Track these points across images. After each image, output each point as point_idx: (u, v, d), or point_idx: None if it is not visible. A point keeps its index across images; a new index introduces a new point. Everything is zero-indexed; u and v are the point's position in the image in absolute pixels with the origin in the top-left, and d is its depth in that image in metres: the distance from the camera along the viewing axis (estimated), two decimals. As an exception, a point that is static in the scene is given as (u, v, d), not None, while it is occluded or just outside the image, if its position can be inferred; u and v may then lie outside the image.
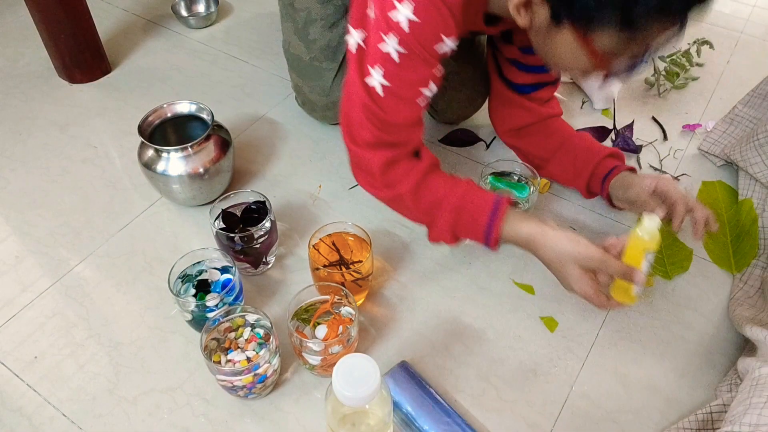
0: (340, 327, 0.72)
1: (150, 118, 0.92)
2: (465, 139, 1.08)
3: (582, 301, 0.83)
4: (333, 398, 0.55)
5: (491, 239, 0.73)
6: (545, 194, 0.98)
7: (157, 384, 0.76)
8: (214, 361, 0.69)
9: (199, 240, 0.92)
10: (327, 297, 0.75)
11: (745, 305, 0.80)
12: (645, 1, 0.55)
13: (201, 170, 0.89)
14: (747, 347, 0.76)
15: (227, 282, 0.77)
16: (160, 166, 0.88)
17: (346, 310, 0.75)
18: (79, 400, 0.74)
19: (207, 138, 0.90)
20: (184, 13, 1.38)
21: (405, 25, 0.66)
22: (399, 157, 0.74)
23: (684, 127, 1.11)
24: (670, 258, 0.89)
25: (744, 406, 0.58)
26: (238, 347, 0.71)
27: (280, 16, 1.03)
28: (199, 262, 0.78)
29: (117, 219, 0.95)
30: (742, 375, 0.68)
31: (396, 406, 0.70)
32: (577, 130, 1.10)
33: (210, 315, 0.73)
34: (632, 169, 0.86)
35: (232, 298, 0.76)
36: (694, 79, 1.22)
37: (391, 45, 0.67)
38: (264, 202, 0.84)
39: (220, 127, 0.94)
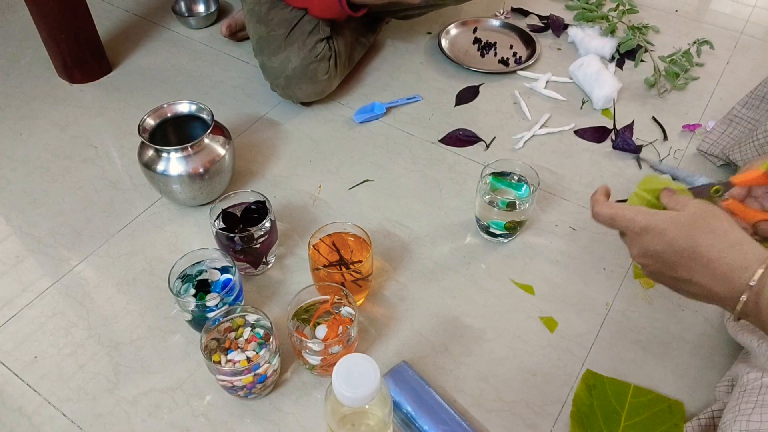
0: (340, 327, 0.72)
1: (150, 118, 0.92)
2: (465, 139, 1.08)
3: (582, 301, 0.84)
4: (333, 398, 0.55)
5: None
6: (544, 194, 0.98)
7: (157, 384, 0.76)
8: (214, 361, 0.69)
9: (199, 240, 0.92)
10: (327, 297, 0.75)
11: None
12: None
13: (201, 170, 0.89)
14: (743, 350, 0.76)
15: (227, 282, 0.77)
16: (160, 166, 0.88)
17: (346, 310, 0.75)
18: (79, 400, 0.74)
19: (207, 138, 0.90)
20: (184, 13, 1.39)
21: None
22: None
23: (684, 127, 1.11)
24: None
25: (733, 414, 0.58)
26: (238, 347, 0.71)
27: (246, 23, 1.12)
28: (199, 262, 0.79)
29: (117, 219, 0.95)
30: (734, 380, 0.68)
31: (396, 406, 0.70)
32: (577, 131, 1.11)
33: (210, 315, 0.73)
34: None
35: (232, 298, 0.76)
36: (694, 79, 1.22)
37: None
38: (264, 202, 0.84)
39: (220, 127, 0.94)
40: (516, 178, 0.91)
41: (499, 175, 0.91)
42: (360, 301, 0.83)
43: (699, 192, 0.63)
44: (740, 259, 0.52)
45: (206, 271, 0.78)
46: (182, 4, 1.39)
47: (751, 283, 0.51)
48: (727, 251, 0.53)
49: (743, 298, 0.52)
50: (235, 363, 0.69)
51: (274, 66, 1.07)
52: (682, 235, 0.55)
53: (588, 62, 1.18)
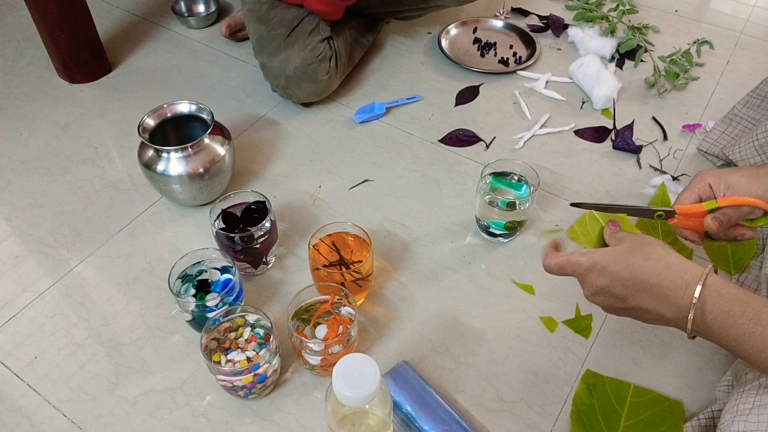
0: (340, 327, 0.72)
1: (150, 118, 0.92)
2: (465, 139, 1.08)
3: (582, 301, 0.83)
4: (333, 398, 0.55)
5: None
6: (544, 194, 0.98)
7: (157, 384, 0.76)
8: (214, 361, 0.69)
9: (199, 240, 0.92)
10: (327, 297, 0.75)
11: None
12: None
13: (201, 170, 0.89)
14: None
15: (227, 282, 0.77)
16: (160, 166, 0.88)
17: (346, 310, 0.75)
18: (79, 400, 0.74)
19: (207, 138, 0.90)
20: (184, 13, 1.39)
21: None
22: None
23: (684, 127, 1.11)
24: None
25: (732, 414, 0.58)
26: (238, 347, 0.71)
27: (246, 22, 1.12)
28: (199, 262, 0.79)
29: (117, 219, 0.95)
30: (735, 380, 0.68)
31: (396, 406, 0.70)
32: (577, 131, 1.11)
33: (210, 315, 0.73)
34: None
35: (232, 298, 0.76)
36: (694, 79, 1.22)
37: None
38: (264, 202, 0.84)
39: (220, 127, 0.94)
40: (516, 178, 0.91)
41: (499, 175, 0.91)
42: (360, 301, 0.83)
43: (642, 214, 0.68)
44: (679, 279, 0.55)
45: (206, 271, 0.78)
46: (182, 4, 1.39)
47: (693, 301, 0.54)
48: (665, 274, 0.56)
49: (690, 316, 0.55)
50: (235, 363, 0.69)
51: (274, 66, 1.07)
52: (621, 267, 0.58)
53: (588, 62, 1.18)
